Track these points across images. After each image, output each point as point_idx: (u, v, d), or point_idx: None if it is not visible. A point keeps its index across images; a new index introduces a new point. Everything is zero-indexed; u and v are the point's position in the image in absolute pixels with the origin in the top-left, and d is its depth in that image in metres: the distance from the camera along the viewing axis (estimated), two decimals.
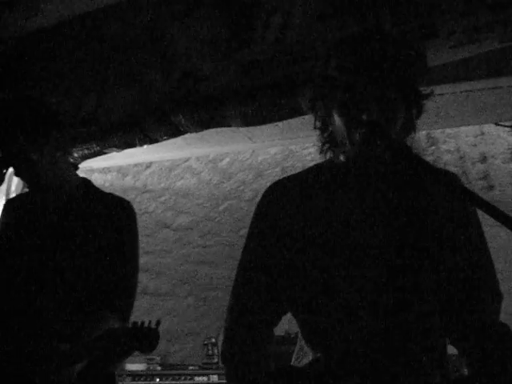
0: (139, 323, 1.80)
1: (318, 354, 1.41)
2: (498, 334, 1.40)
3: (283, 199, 1.47)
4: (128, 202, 2.16)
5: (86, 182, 2.21)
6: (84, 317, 1.94)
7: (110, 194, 2.20)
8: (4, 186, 2.18)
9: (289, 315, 1.52)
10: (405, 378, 1.33)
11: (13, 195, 3.44)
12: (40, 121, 2.05)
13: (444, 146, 4.62)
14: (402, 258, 1.37)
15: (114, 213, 2.10)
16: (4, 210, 2.24)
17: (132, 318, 1.98)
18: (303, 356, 1.46)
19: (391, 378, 1.32)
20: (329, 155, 1.46)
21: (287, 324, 1.58)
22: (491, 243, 1.48)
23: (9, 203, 2.29)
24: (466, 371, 1.45)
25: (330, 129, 1.41)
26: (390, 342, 1.34)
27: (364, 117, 1.29)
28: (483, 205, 1.09)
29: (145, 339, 1.77)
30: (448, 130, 4.57)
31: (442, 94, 2.72)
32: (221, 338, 1.53)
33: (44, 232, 2.09)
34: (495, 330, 1.42)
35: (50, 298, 2.00)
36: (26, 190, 3.34)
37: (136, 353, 1.83)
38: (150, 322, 1.81)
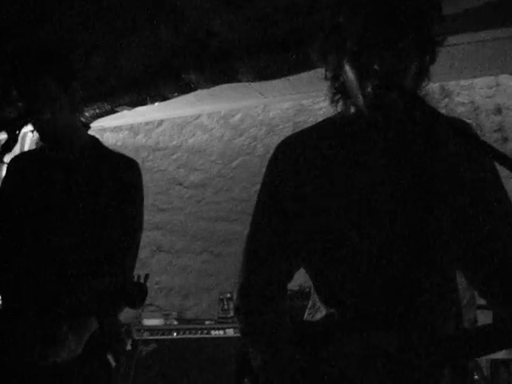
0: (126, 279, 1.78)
1: (331, 310, 1.43)
2: None
3: (295, 154, 1.46)
4: (136, 162, 2.18)
5: (95, 141, 2.22)
6: (87, 275, 1.96)
7: (118, 153, 2.21)
8: (17, 147, 2.18)
9: (303, 270, 1.53)
10: (418, 330, 1.34)
11: None
12: (67, 67, 2.08)
13: (458, 98, 4.55)
14: (416, 210, 1.37)
15: (121, 171, 2.11)
16: (9, 168, 2.26)
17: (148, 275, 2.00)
18: (316, 311, 1.48)
19: (404, 330, 1.33)
20: (340, 106, 1.44)
21: (302, 278, 1.59)
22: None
23: (14, 160, 2.30)
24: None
25: (341, 79, 1.39)
26: (401, 296, 1.35)
27: (376, 67, 1.26)
28: (496, 155, 1.08)
29: (132, 294, 1.75)
30: (462, 82, 4.49)
31: (457, 45, 2.67)
32: (236, 293, 1.54)
33: (52, 188, 2.11)
34: None
35: (56, 253, 2.03)
36: None
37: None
38: (138, 276, 1.79)
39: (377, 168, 1.40)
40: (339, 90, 1.42)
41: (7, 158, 2.21)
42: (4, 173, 2.28)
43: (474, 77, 3.69)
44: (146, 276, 1.78)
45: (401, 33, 1.27)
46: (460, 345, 1.32)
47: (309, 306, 1.54)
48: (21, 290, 2.04)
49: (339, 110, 1.45)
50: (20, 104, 2.02)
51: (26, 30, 2.80)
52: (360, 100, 1.33)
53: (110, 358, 1.99)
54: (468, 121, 1.47)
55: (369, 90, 1.28)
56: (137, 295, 1.75)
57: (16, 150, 2.81)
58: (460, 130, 1.28)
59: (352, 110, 1.41)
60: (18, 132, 2.08)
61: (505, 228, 1.40)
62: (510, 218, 1.41)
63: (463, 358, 1.40)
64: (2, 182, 2.27)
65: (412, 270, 1.35)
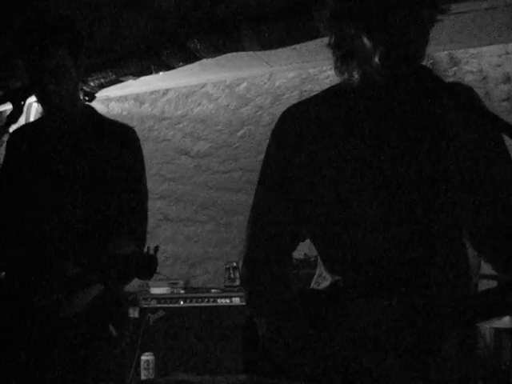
0: (137, 250, 1.83)
1: (337, 278, 1.44)
2: None
3: (300, 122, 1.46)
4: (133, 129, 2.20)
5: (92, 109, 2.23)
6: (98, 244, 1.99)
7: (113, 120, 2.23)
8: (22, 118, 2.18)
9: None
10: (424, 297, 1.35)
11: None
12: (78, 38, 2.08)
13: (466, 67, 4.49)
14: (422, 178, 1.37)
15: (122, 139, 2.13)
16: (10, 142, 2.26)
17: (154, 244, 2.03)
18: (322, 281, 1.49)
19: (410, 296, 1.34)
20: (345, 74, 1.42)
21: (307, 247, 1.60)
22: None
23: (15, 133, 2.30)
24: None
25: (346, 47, 1.38)
26: (407, 263, 1.35)
27: (385, 37, 1.25)
28: (500, 125, 1.07)
29: (143, 266, 1.79)
30: (471, 50, 4.42)
31: (465, 12, 2.62)
32: (241, 262, 1.56)
33: (54, 159, 2.12)
34: None
35: (62, 223, 2.05)
36: None
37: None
38: (148, 248, 1.82)
39: (383, 136, 1.40)
40: (344, 58, 1.40)
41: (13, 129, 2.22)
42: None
43: (483, 45, 3.62)
44: (156, 248, 1.82)
45: (408, 3, 1.26)
46: (465, 310, 1.33)
47: (315, 275, 1.55)
48: (25, 263, 2.07)
49: (344, 77, 1.44)
50: (25, 75, 2.02)
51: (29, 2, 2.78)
52: (368, 69, 1.33)
53: (111, 327, 2.03)
54: (476, 90, 1.45)
55: (376, 60, 1.27)
56: (148, 267, 1.78)
57: (21, 121, 2.82)
58: (466, 101, 1.27)
59: (357, 77, 1.40)
60: (23, 103, 2.08)
61: (509, 194, 1.40)
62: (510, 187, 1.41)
63: (468, 323, 1.42)
64: (5, 157, 2.28)
65: (418, 237, 1.36)
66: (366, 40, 1.30)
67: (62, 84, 2.02)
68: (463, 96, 1.32)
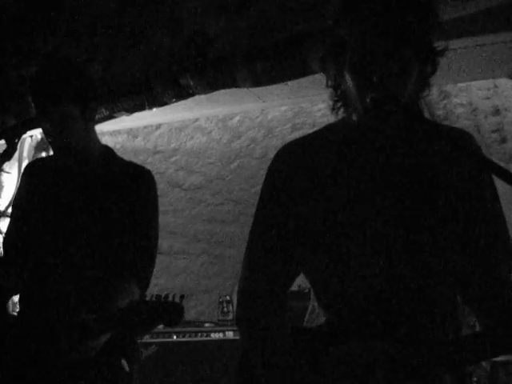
0: (163, 297, 1.85)
1: (331, 316, 1.44)
2: (509, 292, 1.41)
3: (296, 161, 1.47)
4: (149, 171, 2.20)
5: (109, 150, 2.24)
6: (107, 286, 1.98)
7: (131, 162, 2.23)
8: (16, 152, 2.20)
9: None
10: (416, 336, 1.35)
11: (25, 161, 3.47)
12: (87, 92, 2.09)
13: (456, 100, 4.56)
14: (415, 221, 1.38)
15: (135, 181, 2.13)
16: (25, 174, 2.28)
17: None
18: (316, 317, 1.49)
19: (406, 337, 1.34)
20: (341, 114, 1.45)
21: (301, 279, 1.60)
22: (502, 198, 1.47)
23: (30, 167, 2.32)
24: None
25: (342, 87, 1.40)
26: (402, 303, 1.36)
27: (375, 79, 1.27)
28: (496, 169, 1.09)
29: (170, 314, 1.81)
30: (460, 84, 4.50)
31: (454, 49, 2.66)
32: (235, 296, 1.55)
33: (67, 197, 2.13)
34: (507, 288, 1.42)
35: (73, 265, 2.04)
36: (43, 155, 3.38)
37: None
38: (174, 295, 1.85)
39: (378, 176, 1.41)
40: (340, 99, 1.43)
41: (7, 167, 2.23)
42: (20, 178, 2.33)
43: (472, 80, 3.69)
44: (182, 296, 1.85)
45: (400, 44, 1.29)
46: (461, 351, 1.34)
47: (308, 311, 1.55)
48: (38, 303, 2.06)
49: (339, 116, 1.46)
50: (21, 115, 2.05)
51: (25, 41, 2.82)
52: (359, 110, 1.34)
53: (123, 362, 2.02)
54: (467, 122, 1.48)
55: (367, 102, 1.29)
56: (174, 315, 1.79)
57: (15, 155, 2.84)
58: (459, 141, 1.29)
59: (354, 117, 1.42)
60: (17, 140, 2.09)
61: (492, 247, 1.42)
62: (499, 238, 1.43)
63: (464, 364, 1.42)
64: (18, 189, 2.31)
65: (412, 278, 1.36)
66: (357, 82, 1.32)
67: (66, 132, 2.04)
68: (462, 143, 1.34)
